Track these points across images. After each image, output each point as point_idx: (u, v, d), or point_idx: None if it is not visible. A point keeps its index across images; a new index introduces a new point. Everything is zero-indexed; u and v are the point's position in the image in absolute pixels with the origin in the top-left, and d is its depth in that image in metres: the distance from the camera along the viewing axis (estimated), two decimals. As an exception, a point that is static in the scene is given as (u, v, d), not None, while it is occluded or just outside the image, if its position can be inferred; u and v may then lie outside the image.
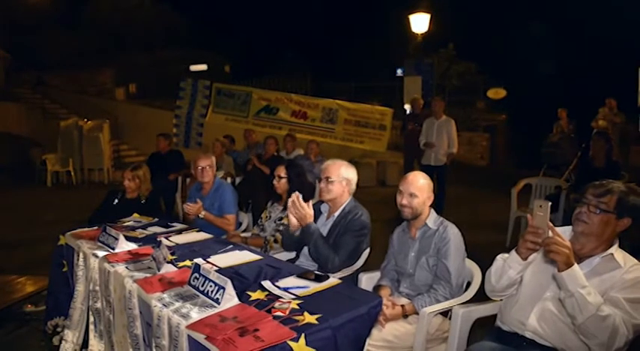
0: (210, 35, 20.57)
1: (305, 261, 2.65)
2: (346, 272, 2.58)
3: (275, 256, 2.71)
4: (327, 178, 2.66)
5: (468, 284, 2.35)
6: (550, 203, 1.63)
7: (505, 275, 1.84)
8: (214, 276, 1.83)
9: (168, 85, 12.76)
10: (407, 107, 12.81)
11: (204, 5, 21.49)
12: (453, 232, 2.32)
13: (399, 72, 16.99)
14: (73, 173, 10.60)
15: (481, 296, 2.14)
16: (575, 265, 1.60)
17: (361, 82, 17.52)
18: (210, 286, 1.82)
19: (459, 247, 2.32)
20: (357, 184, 2.76)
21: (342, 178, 2.66)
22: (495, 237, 5.45)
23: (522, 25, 18.29)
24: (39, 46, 16.12)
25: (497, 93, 16.06)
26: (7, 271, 4.36)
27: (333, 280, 2.06)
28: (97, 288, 2.43)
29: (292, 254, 2.85)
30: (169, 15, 19.63)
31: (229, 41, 20.98)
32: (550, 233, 1.62)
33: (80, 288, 2.63)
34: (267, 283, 2.00)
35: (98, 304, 2.43)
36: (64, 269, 2.94)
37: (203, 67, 20.45)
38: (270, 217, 3.28)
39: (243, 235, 3.36)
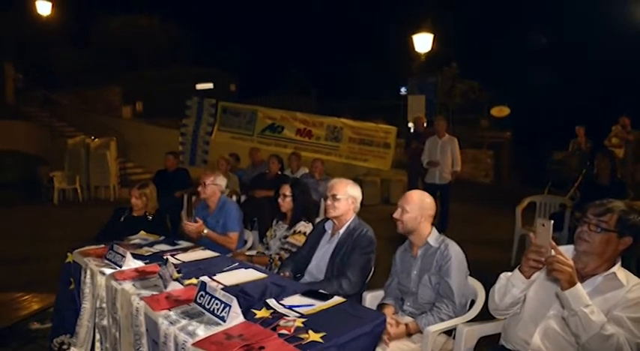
0: (216, 54, 20.93)
1: (308, 279, 2.67)
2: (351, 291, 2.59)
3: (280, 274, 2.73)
4: (334, 195, 2.71)
5: (472, 302, 2.36)
6: (552, 221, 1.65)
7: (508, 294, 1.86)
8: (220, 294, 1.85)
9: (174, 103, 12.94)
10: (411, 126, 12.94)
11: (210, 24, 21.92)
12: (455, 250, 2.34)
13: (403, 90, 17.19)
14: (79, 191, 10.69)
15: (485, 315, 2.15)
16: (578, 283, 1.62)
17: (365, 100, 17.71)
18: (217, 304, 1.84)
19: (460, 264, 2.33)
20: (361, 202, 2.80)
21: (348, 195, 2.70)
22: (500, 255, 5.44)
23: (526, 43, 18.49)
24: (47, 64, 16.40)
25: (500, 111, 16.16)
26: (13, 288, 4.39)
27: (337, 298, 2.07)
28: (104, 305, 2.46)
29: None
30: (176, 34, 20.00)
31: (235, 60, 21.32)
32: (553, 252, 1.64)
33: (87, 305, 2.65)
34: (272, 301, 2.02)
35: (105, 322, 2.45)
36: (71, 287, 2.97)
37: (209, 85, 20.73)
38: (275, 235, 3.31)
39: (248, 253, 3.38)
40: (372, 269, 2.70)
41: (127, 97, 17.57)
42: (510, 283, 1.84)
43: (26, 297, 4.00)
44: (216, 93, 17.02)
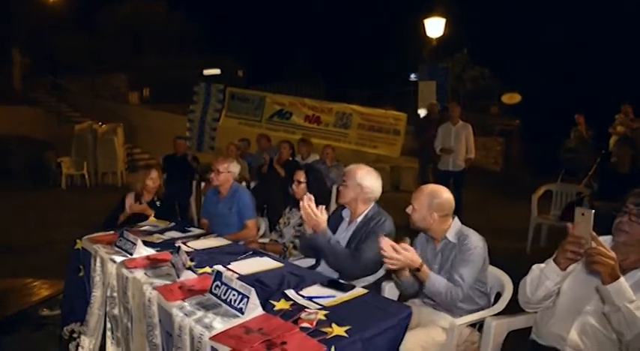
0: (224, 40, 20.73)
1: (327, 268, 2.57)
2: (368, 281, 2.50)
3: (295, 262, 2.64)
4: (344, 181, 2.62)
5: (498, 295, 2.26)
6: (593, 211, 1.53)
7: (542, 286, 1.75)
8: (237, 284, 1.76)
9: (181, 89, 12.83)
10: (420, 112, 12.74)
11: (218, 11, 21.64)
12: (474, 241, 2.18)
13: (413, 77, 16.92)
14: (87, 176, 10.66)
15: (513, 307, 2.05)
16: (622, 277, 1.51)
17: (374, 87, 17.47)
18: (234, 295, 1.75)
19: (477, 255, 2.17)
20: None
21: (355, 183, 2.59)
22: (514, 244, 5.33)
23: (537, 29, 18.10)
24: (55, 50, 16.31)
25: (511, 98, 15.91)
26: (22, 274, 4.36)
27: (358, 289, 1.98)
28: (115, 294, 2.38)
29: (312, 261, 2.78)
30: (183, 20, 19.78)
31: (242, 46, 21.10)
32: (593, 243, 1.53)
33: (97, 293, 2.58)
34: (291, 292, 1.92)
35: (116, 311, 2.38)
36: (81, 274, 2.90)
37: (216, 71, 20.56)
38: (288, 222, 3.21)
39: (260, 240, 3.29)
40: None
41: (134, 84, 17.49)
42: (544, 275, 1.73)
43: (35, 283, 3.96)
44: (224, 79, 16.83)
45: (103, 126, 11.33)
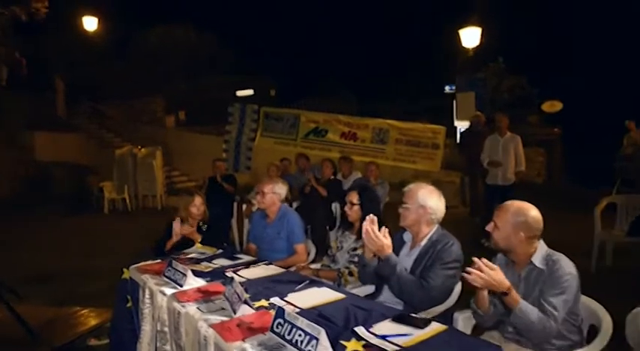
0: (255, 61, 21.03)
1: (390, 298, 2.36)
2: (436, 311, 2.27)
3: (352, 291, 2.45)
4: (404, 203, 2.41)
5: (590, 329, 1.98)
6: None
7: None
8: (304, 323, 1.58)
9: (215, 110, 12.97)
10: (457, 124, 12.40)
11: (247, 32, 22.07)
12: (565, 266, 1.95)
13: (447, 89, 16.60)
14: (128, 200, 10.82)
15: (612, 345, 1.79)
16: None
17: (407, 101, 17.25)
18: (300, 336, 1.57)
19: (571, 282, 1.92)
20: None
21: (417, 204, 2.38)
22: (576, 263, 4.92)
23: (577, 34, 17.51)
24: (94, 78, 16.92)
25: (552, 106, 15.33)
26: (69, 303, 4.33)
27: (436, 325, 1.76)
28: (166, 329, 2.24)
29: (371, 288, 2.58)
30: (214, 43, 20.20)
31: (274, 65, 21.36)
32: None
33: (147, 328, 2.46)
34: (360, 330, 1.73)
35: (167, 347, 2.24)
36: (128, 304, 2.79)
37: (249, 92, 20.82)
38: (341, 247, 3.02)
39: (312, 266, 3.11)
40: (459, 287, 2.37)
41: (169, 107, 17.88)
42: None
43: (82, 312, 3.93)
44: (257, 99, 17.05)
45: (143, 150, 11.53)
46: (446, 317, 2.26)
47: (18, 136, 11.93)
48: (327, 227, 5.37)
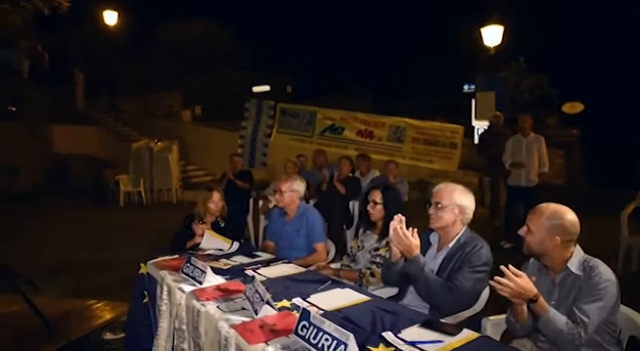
0: (272, 57, 20.99)
1: (414, 300, 2.28)
2: (463, 316, 2.18)
3: (374, 292, 2.37)
4: (437, 203, 2.30)
5: (631, 340, 1.87)
6: None
7: None
8: (331, 327, 1.51)
9: (232, 106, 12.96)
10: (475, 124, 12.19)
11: (265, 28, 22.02)
12: (604, 274, 1.84)
13: (466, 88, 16.36)
14: (143, 193, 10.87)
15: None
16: None
17: (424, 99, 17.04)
18: (326, 340, 1.49)
19: (609, 291, 1.82)
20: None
21: (454, 204, 2.28)
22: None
23: (597, 33, 17.09)
24: (112, 72, 17.06)
25: (573, 107, 15.03)
26: (84, 295, 4.33)
27: (468, 332, 1.68)
28: (184, 327, 2.19)
29: (393, 290, 2.49)
30: (232, 38, 20.20)
31: (290, 62, 21.29)
32: None
33: (164, 324, 2.41)
34: (389, 335, 1.65)
35: (185, 346, 2.18)
36: (145, 300, 2.75)
37: (266, 88, 20.80)
38: (362, 246, 2.94)
39: (333, 266, 3.03)
40: (487, 292, 2.27)
41: (186, 102, 17.95)
42: None
43: (98, 305, 3.92)
44: (273, 95, 16.97)
45: (159, 143, 11.56)
46: (473, 323, 2.16)
47: (38, 128, 12.07)
48: (345, 226, 5.28)
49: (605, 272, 1.84)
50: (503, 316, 2.13)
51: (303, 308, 1.67)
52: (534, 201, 5.94)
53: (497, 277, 1.73)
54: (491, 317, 2.13)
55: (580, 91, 15.32)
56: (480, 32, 10.79)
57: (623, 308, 1.93)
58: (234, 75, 19.33)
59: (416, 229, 2.17)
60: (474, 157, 10.62)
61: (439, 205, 2.30)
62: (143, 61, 18.41)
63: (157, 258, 2.81)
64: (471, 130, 11.96)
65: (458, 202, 2.29)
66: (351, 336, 1.44)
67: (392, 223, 2.15)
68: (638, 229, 4.88)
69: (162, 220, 8.53)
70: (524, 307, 1.84)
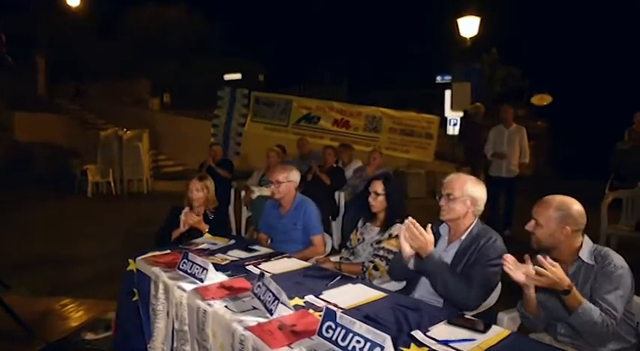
0: (244, 44, 20.51)
1: (426, 294, 2.20)
2: (478, 309, 2.13)
3: (381, 286, 2.28)
4: (449, 194, 2.23)
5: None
6: None
7: None
8: (362, 328, 1.40)
9: (202, 94, 12.56)
10: (449, 115, 12.29)
11: (238, 15, 21.50)
12: (617, 261, 1.83)
13: (439, 79, 16.47)
14: (112, 184, 10.44)
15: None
16: None
17: (397, 89, 17.06)
18: (358, 342, 1.39)
19: (625, 277, 1.81)
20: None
21: (466, 195, 2.21)
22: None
23: (570, 26, 17.52)
24: (77, 57, 16.27)
25: (542, 99, 15.36)
26: (58, 292, 4.08)
27: (498, 329, 1.62)
28: (186, 328, 2.04)
29: (400, 284, 2.42)
30: (203, 25, 19.62)
31: (263, 50, 20.87)
32: None
33: (160, 325, 2.25)
34: (418, 334, 1.56)
35: (187, 348, 2.04)
36: (134, 298, 2.58)
37: (237, 76, 20.35)
38: (362, 239, 2.84)
39: (333, 259, 2.93)
40: (500, 287, 2.23)
41: (154, 89, 17.35)
42: None
43: (74, 303, 3.71)
44: (245, 83, 16.63)
45: (128, 132, 11.08)
46: (488, 316, 2.11)
47: (-3, 115, 11.41)
48: (330, 217, 5.19)
49: (618, 259, 1.85)
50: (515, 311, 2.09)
51: (327, 307, 1.56)
52: (513, 191, 6.01)
53: (536, 268, 1.69)
54: (507, 311, 2.09)
55: (549, 83, 15.67)
56: (456, 23, 10.83)
57: (635, 298, 1.92)
58: (204, 62, 18.81)
59: (429, 225, 2.09)
60: (449, 147, 10.74)
61: (451, 197, 2.23)
62: (109, 45, 17.65)
63: (147, 253, 2.63)
64: (444, 120, 12.07)
65: (470, 193, 2.22)
66: (388, 338, 1.34)
67: (406, 221, 2.07)
68: (615, 219, 5.01)
69: (134, 211, 8.23)
70: (533, 294, 1.83)
